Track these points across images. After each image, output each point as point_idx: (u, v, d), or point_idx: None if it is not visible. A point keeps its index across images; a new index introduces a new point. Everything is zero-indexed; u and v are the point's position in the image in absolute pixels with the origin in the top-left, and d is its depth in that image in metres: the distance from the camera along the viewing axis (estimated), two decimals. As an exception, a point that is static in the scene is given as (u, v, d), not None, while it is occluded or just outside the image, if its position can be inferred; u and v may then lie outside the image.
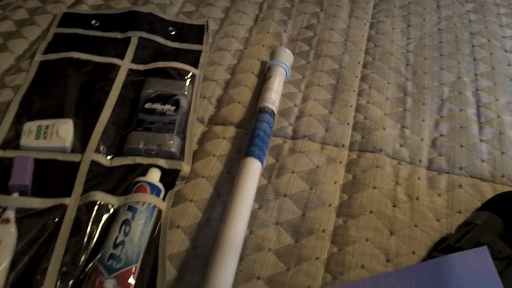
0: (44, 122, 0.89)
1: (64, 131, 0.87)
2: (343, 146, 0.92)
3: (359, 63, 1.10)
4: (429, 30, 1.21)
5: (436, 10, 1.27)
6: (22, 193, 0.79)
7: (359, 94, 1.03)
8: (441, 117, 0.99)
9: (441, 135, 0.96)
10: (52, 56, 1.04)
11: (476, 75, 1.08)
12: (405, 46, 1.16)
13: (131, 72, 1.02)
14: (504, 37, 1.19)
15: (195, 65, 1.06)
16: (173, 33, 1.13)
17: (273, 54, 1.07)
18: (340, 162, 0.89)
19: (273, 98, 0.96)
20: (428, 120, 0.98)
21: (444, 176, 0.88)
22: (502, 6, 1.29)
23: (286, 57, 1.06)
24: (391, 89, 1.04)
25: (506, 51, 1.15)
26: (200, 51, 1.09)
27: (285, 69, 1.03)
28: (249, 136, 0.88)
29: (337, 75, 1.07)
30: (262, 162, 0.84)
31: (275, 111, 0.94)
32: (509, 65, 1.11)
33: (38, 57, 1.04)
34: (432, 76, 1.08)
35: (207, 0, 1.25)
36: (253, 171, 0.82)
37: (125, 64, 1.03)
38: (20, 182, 0.80)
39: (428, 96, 1.03)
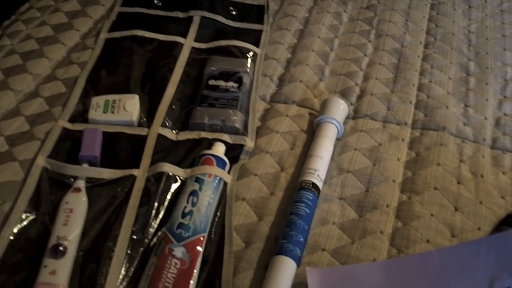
0: (111, 97, 0.91)
1: (130, 105, 0.90)
2: (405, 124, 0.92)
3: (420, 43, 1.10)
4: (491, 11, 1.19)
5: (498, -9, 1.25)
6: (92, 164, 0.82)
7: (421, 73, 1.02)
8: (505, 97, 0.98)
9: (505, 114, 0.94)
10: (116, 34, 1.07)
11: (541, 56, 1.07)
12: (467, 27, 1.14)
13: (194, 50, 1.04)
14: None
15: (256, 44, 1.07)
16: (234, 12, 1.14)
17: (324, 106, 0.91)
18: (403, 140, 0.89)
19: (318, 167, 0.80)
20: (491, 100, 0.97)
21: (508, 155, 0.87)
22: None
23: (339, 110, 0.90)
24: (453, 69, 1.03)
25: None
26: (261, 31, 1.10)
27: (337, 126, 0.87)
28: (284, 224, 0.74)
29: (398, 54, 1.07)
30: (298, 261, 0.70)
31: (320, 184, 0.79)
32: None
33: (103, 35, 1.07)
34: (495, 56, 1.06)
35: (267, -19, 1.26)
36: (285, 274, 0.68)
37: (188, 42, 1.05)
38: (89, 153, 0.82)
39: (491, 76, 1.02)
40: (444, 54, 1.06)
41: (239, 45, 1.05)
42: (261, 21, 1.13)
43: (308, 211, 0.75)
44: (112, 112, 0.89)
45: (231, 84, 0.95)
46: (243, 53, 1.03)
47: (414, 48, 1.08)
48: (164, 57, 1.02)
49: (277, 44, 1.09)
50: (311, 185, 0.78)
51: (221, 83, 0.95)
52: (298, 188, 0.78)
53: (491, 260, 0.63)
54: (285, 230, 0.72)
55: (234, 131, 0.89)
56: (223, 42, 1.05)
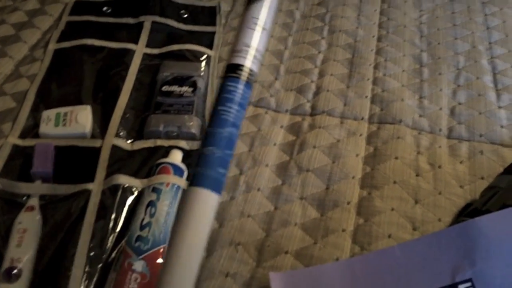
0: (62, 110, 0.89)
1: (83, 117, 0.88)
2: (362, 119, 0.92)
3: (373, 36, 1.10)
4: (440, 1, 1.20)
5: (447, -20, 1.26)
6: (45, 180, 0.80)
7: (376, 67, 1.03)
8: (458, 86, 0.99)
9: (459, 103, 0.95)
10: (65, 44, 1.04)
11: (490, 43, 1.08)
12: (418, 18, 1.15)
13: (146, 56, 1.03)
14: (517, 4, 1.18)
15: (210, 46, 1.05)
16: (185, 16, 1.13)
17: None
18: (361, 135, 0.89)
19: (254, 45, 0.57)
20: (445, 90, 0.98)
21: (464, 144, 0.88)
22: (513, -27, 1.28)
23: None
24: (407, 61, 1.04)
25: (520, 17, 1.14)
26: (213, 33, 1.09)
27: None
28: (203, 136, 0.55)
29: (352, 49, 1.07)
30: (219, 189, 0.53)
31: (256, 70, 0.58)
32: (523, 31, 1.11)
33: (52, 46, 1.04)
34: (446, 46, 1.07)
35: (217, -19, 1.25)
36: (203, 210, 0.52)
37: (140, 49, 1.04)
38: (42, 168, 0.80)
39: (444, 66, 1.03)
40: (397, 47, 1.07)
41: (192, 49, 1.03)
42: (213, 23, 1.12)
43: (238, 118, 0.56)
44: (64, 125, 0.87)
45: (185, 89, 0.93)
46: (196, 56, 1.02)
47: (367, 42, 1.08)
48: (115, 65, 1.00)
49: (230, 45, 1.07)
50: (248, 79, 0.57)
51: (175, 88, 0.93)
52: (224, 78, 0.57)
53: (451, 252, 0.63)
54: (206, 156, 0.53)
55: (190, 137, 0.87)
56: (175, 47, 1.04)
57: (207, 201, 0.52)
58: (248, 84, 0.57)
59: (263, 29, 0.59)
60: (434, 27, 1.12)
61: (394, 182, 0.81)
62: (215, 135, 0.54)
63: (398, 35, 1.10)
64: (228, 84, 0.56)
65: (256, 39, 0.58)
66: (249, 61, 0.57)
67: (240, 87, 0.56)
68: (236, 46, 0.58)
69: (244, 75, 0.56)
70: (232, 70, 0.56)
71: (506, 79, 0.99)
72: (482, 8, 1.17)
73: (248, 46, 0.57)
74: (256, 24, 0.59)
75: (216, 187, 0.52)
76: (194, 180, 0.52)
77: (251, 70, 0.57)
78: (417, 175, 0.82)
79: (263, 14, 0.60)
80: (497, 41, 1.08)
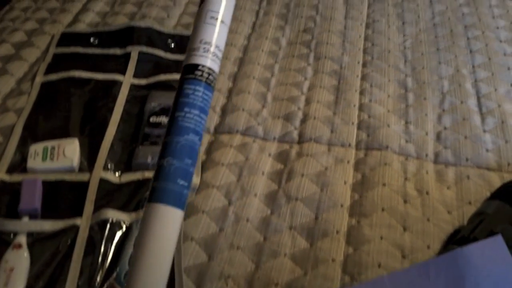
0: (49, 143, 0.89)
1: (70, 150, 0.88)
2: (349, 145, 0.93)
3: (358, 62, 1.11)
4: (424, 26, 1.21)
5: (429, 6, 1.28)
6: (33, 216, 0.80)
7: (361, 93, 1.04)
8: (443, 110, 1.00)
9: (445, 128, 0.96)
10: (53, 77, 1.04)
11: (473, 66, 1.09)
12: (402, 43, 1.16)
13: (133, 87, 1.03)
14: (497, 28, 1.19)
15: (196, 76, 1.06)
16: (172, 45, 1.13)
17: None
18: (348, 162, 0.90)
19: (212, 40, 0.52)
20: (431, 114, 0.99)
21: (451, 169, 0.89)
22: (494, -3, 1.30)
23: None
24: (392, 86, 1.05)
25: (500, 41, 1.16)
26: (200, 62, 1.10)
27: None
28: (161, 145, 0.50)
29: (338, 75, 1.08)
30: (181, 203, 0.48)
31: (216, 69, 0.53)
32: (505, 55, 1.12)
33: (39, 79, 1.04)
34: (431, 70, 1.09)
35: (202, 11, 1.25)
36: (163, 228, 0.47)
37: (127, 79, 1.04)
38: (29, 205, 0.80)
39: (429, 90, 1.04)
40: (382, 72, 1.08)
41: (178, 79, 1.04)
42: (199, 52, 1.12)
43: (201, 123, 0.50)
44: (52, 159, 0.87)
45: (172, 119, 0.93)
46: (183, 86, 1.02)
47: (352, 68, 1.09)
48: (103, 97, 1.00)
49: (219, 74, 1.08)
50: (208, 79, 0.51)
51: (163, 119, 0.94)
52: (181, 80, 0.52)
53: (440, 281, 0.64)
54: (165, 167, 0.48)
55: (179, 168, 0.87)
56: (162, 77, 1.04)
57: (168, 218, 0.47)
58: (208, 85, 0.51)
59: (221, 22, 0.53)
60: (418, 52, 1.14)
61: (383, 210, 0.81)
62: (172, 144, 0.48)
63: (382, 60, 1.11)
64: (185, 87, 0.50)
65: (213, 34, 0.52)
66: (207, 60, 0.51)
67: (199, 89, 0.50)
68: (192, 44, 0.52)
69: (202, 75, 0.50)
70: (190, 71, 0.50)
71: (490, 103, 1.00)
72: (465, 32, 1.19)
73: (206, 42, 0.52)
74: (212, 17, 0.53)
75: (178, 202, 0.47)
76: (152, 196, 0.47)
77: (210, 69, 0.51)
78: (405, 202, 0.83)
79: (221, 6, 0.54)
80: (480, 64, 1.09)
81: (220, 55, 0.52)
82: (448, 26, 1.21)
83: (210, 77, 0.51)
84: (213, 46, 0.52)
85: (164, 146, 0.49)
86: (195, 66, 0.50)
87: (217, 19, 0.53)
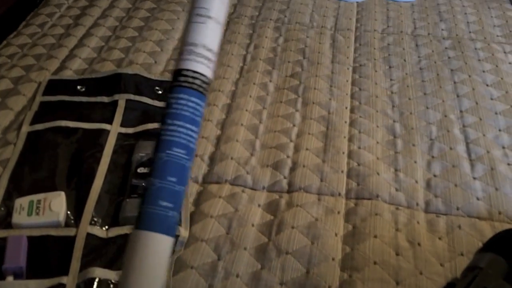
0: (35, 197, 0.87)
1: (56, 204, 0.86)
2: (339, 195, 0.92)
3: (346, 108, 1.11)
4: (410, 70, 1.22)
5: (415, 49, 1.29)
6: (17, 275, 0.77)
7: (350, 139, 1.03)
8: (432, 157, 1.00)
9: (435, 175, 0.96)
10: (39, 126, 1.03)
11: (461, 111, 1.10)
12: (389, 88, 1.17)
13: (120, 136, 1.02)
14: (483, 71, 1.21)
15: (184, 123, 1.05)
16: (160, 92, 1.13)
17: None
18: (339, 213, 0.89)
19: (200, 41, 0.47)
20: (420, 161, 0.99)
21: (442, 218, 0.88)
22: (478, 41, 1.31)
23: None
24: (380, 132, 1.05)
25: (487, 85, 1.17)
26: (187, 109, 1.09)
27: None
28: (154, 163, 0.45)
29: (326, 121, 1.07)
30: (166, 228, 0.44)
31: (208, 75, 0.47)
32: (492, 99, 1.13)
33: (25, 128, 1.03)
34: (418, 116, 1.09)
35: (190, 56, 1.25)
36: (145, 257, 0.43)
37: (114, 129, 1.03)
38: (14, 264, 0.78)
39: (417, 136, 1.04)
40: (370, 118, 1.08)
41: (167, 127, 1.03)
42: (187, 99, 1.12)
43: (193, 133, 0.45)
44: (37, 214, 0.85)
45: (161, 170, 0.92)
46: (171, 135, 1.02)
47: (340, 114, 1.09)
48: (90, 147, 0.99)
49: (206, 121, 1.08)
50: (201, 87, 0.45)
51: (150, 170, 0.92)
52: (171, 88, 0.46)
53: None
54: (154, 188, 0.44)
55: (167, 221, 0.86)
56: (150, 125, 1.04)
57: (150, 245, 0.41)
58: (196, 91, 0.44)
59: (209, 18, 0.46)
60: (405, 97, 1.14)
61: (375, 263, 0.80)
62: (154, 163, 0.43)
63: (370, 105, 1.12)
64: (169, 96, 0.45)
65: (199, 34, 0.46)
66: (191, 63, 0.45)
67: (183, 96, 0.43)
68: (182, 47, 0.46)
69: (187, 81, 0.44)
70: (174, 78, 0.44)
71: (479, 149, 1.00)
72: (451, 76, 1.20)
73: (191, 44, 0.45)
74: (199, 14, 0.46)
75: (160, 227, 0.41)
76: (136, 222, 0.42)
77: (196, 73, 0.45)
78: (397, 254, 0.82)
79: (213, 3, 0.47)
80: (468, 109, 1.10)
81: (210, 55, 0.46)
82: (434, 70, 1.21)
83: (197, 81, 0.45)
84: (200, 46, 0.46)
85: (150, 166, 0.44)
86: (178, 72, 0.44)
87: (205, 16, 0.46)
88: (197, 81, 0.45)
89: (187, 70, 0.45)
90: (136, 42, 1.29)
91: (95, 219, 0.86)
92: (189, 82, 0.44)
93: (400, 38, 1.33)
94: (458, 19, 1.41)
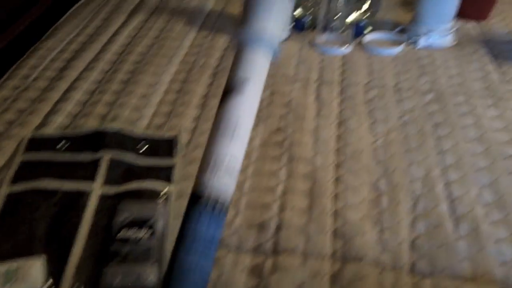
0: (12, 265, 0.85)
1: (34, 271, 0.84)
2: (325, 257, 0.91)
3: (331, 163, 1.11)
4: (394, 124, 1.23)
5: (398, 103, 1.30)
6: None
7: (335, 197, 1.03)
8: (417, 215, 0.99)
9: (419, 235, 0.95)
10: (19, 187, 1.01)
11: (444, 167, 1.10)
12: (374, 143, 1.17)
13: (103, 196, 1.00)
14: (465, 126, 1.22)
15: (169, 181, 1.04)
16: (144, 148, 1.12)
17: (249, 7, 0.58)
18: (324, 276, 0.88)
19: (231, 153, 0.48)
20: (404, 220, 0.98)
21: (427, 281, 0.87)
22: (459, 95, 1.33)
23: (274, 16, 0.57)
24: (365, 189, 1.05)
25: (469, 140, 1.17)
26: (172, 166, 1.08)
27: (270, 49, 0.56)
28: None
29: (312, 178, 1.07)
30: None
31: (229, 196, 0.47)
32: (474, 154, 1.13)
33: (4, 190, 1.00)
34: (403, 172, 1.09)
35: (177, 110, 1.25)
36: None
37: (97, 188, 1.01)
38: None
39: (402, 193, 1.04)
40: (355, 174, 1.08)
41: (150, 187, 1.02)
42: (172, 155, 1.11)
43: (209, 257, 0.46)
44: (15, 281, 0.83)
45: (143, 233, 0.91)
46: (154, 194, 1.01)
47: (326, 170, 1.09)
48: (70, 209, 0.97)
49: (191, 178, 1.06)
50: (219, 204, 0.44)
51: (132, 234, 0.91)
52: (188, 208, 0.45)
53: None
54: None
55: (149, 288, 0.85)
56: (133, 185, 1.02)
57: None
58: (219, 213, 0.41)
59: (240, 133, 0.42)
60: (389, 152, 1.14)
61: (361, 332, 0.79)
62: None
63: (355, 161, 1.12)
64: (189, 217, 0.43)
65: (231, 148, 0.43)
66: (219, 181, 0.42)
67: (206, 219, 0.41)
68: (203, 161, 0.43)
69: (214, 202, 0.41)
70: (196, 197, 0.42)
71: (463, 207, 1.00)
72: (434, 130, 1.20)
73: (220, 159, 0.42)
74: (231, 128, 0.43)
75: None
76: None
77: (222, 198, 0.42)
78: (383, 321, 0.81)
79: (242, 114, 0.43)
80: (451, 164, 1.10)
81: (236, 173, 0.44)
82: (417, 124, 1.22)
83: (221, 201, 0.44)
84: (226, 164, 0.45)
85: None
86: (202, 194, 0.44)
87: (236, 130, 0.45)
88: (223, 202, 0.47)
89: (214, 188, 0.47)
90: (121, 96, 1.28)
91: (76, 286, 0.84)
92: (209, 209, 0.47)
93: (383, 92, 1.34)
94: (440, 72, 1.43)
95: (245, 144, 0.49)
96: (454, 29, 1.55)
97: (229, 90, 0.51)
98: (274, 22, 0.58)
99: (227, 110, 0.52)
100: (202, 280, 0.45)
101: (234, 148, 0.50)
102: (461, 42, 1.58)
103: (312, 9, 1.60)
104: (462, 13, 1.61)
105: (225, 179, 0.46)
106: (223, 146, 0.48)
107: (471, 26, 1.67)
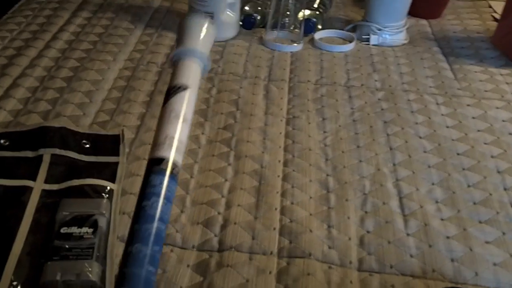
0: None
1: (-30, 270, 0.80)
2: (271, 253, 0.90)
3: (279, 161, 1.10)
4: (343, 122, 1.23)
5: (348, 101, 1.30)
6: None
7: (283, 194, 1.02)
8: (366, 212, 0.99)
9: (368, 232, 0.95)
10: (-45, 184, 0.97)
11: (394, 165, 1.10)
12: (323, 140, 1.17)
13: (44, 193, 0.97)
14: (416, 123, 1.22)
15: (112, 179, 1.01)
16: (87, 146, 1.09)
17: (181, 33, 0.75)
18: (270, 273, 0.86)
19: (176, 136, 0.62)
20: (353, 217, 0.98)
21: (376, 277, 0.87)
22: (411, 92, 1.34)
23: (205, 37, 0.76)
24: (313, 187, 1.04)
25: (420, 137, 1.18)
26: (116, 163, 1.05)
27: (202, 62, 0.73)
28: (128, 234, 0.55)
29: (259, 176, 1.06)
30: None
31: (180, 162, 0.61)
32: (424, 152, 1.14)
33: None
34: (352, 169, 1.09)
35: (121, 108, 1.22)
36: None
37: (38, 185, 0.98)
38: None
39: (350, 191, 1.03)
40: (303, 172, 1.07)
41: (93, 183, 0.99)
42: (117, 153, 1.08)
43: (165, 216, 0.56)
44: None
45: (85, 229, 0.88)
46: (97, 191, 0.97)
47: (273, 167, 1.08)
48: (11, 206, 0.93)
49: (135, 176, 1.04)
50: (174, 170, 0.59)
51: (75, 229, 0.88)
52: (147, 173, 0.58)
53: None
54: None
55: (90, 285, 0.81)
56: (75, 182, 0.99)
57: None
58: (173, 176, 0.58)
59: (184, 120, 0.63)
60: (339, 150, 1.14)
61: (306, 328, 0.78)
62: (141, 232, 0.52)
63: (303, 159, 1.11)
64: (152, 178, 0.56)
65: (177, 130, 0.61)
66: (172, 153, 0.59)
67: (165, 180, 0.56)
68: (157, 139, 0.60)
69: (168, 167, 0.57)
70: (156, 163, 0.57)
71: (412, 204, 1.00)
72: (384, 128, 1.21)
73: (170, 137, 0.60)
74: (176, 116, 0.62)
75: (146, 287, 0.50)
76: (122, 281, 0.49)
77: (175, 162, 0.58)
78: (329, 317, 0.80)
79: (183, 106, 0.64)
80: (401, 162, 1.11)
81: (183, 148, 0.61)
82: (367, 122, 1.22)
83: (175, 168, 0.59)
84: (176, 140, 0.60)
85: (132, 234, 0.53)
86: (161, 159, 0.58)
87: (179, 117, 0.62)
88: (175, 169, 0.59)
89: (168, 159, 0.58)
90: (64, 93, 1.25)
91: (14, 284, 0.80)
92: (170, 169, 0.58)
93: (334, 89, 1.34)
94: (391, 69, 1.44)
95: (188, 131, 0.65)
96: (406, 27, 1.57)
97: (170, 93, 0.66)
98: (202, 42, 0.76)
99: (171, 103, 0.65)
100: (160, 232, 0.55)
101: (181, 132, 0.63)
102: (414, 40, 1.60)
103: (262, 5, 1.59)
104: (415, 11, 1.64)
105: (176, 155, 0.60)
106: (170, 128, 0.61)
107: (424, 24, 1.69)
